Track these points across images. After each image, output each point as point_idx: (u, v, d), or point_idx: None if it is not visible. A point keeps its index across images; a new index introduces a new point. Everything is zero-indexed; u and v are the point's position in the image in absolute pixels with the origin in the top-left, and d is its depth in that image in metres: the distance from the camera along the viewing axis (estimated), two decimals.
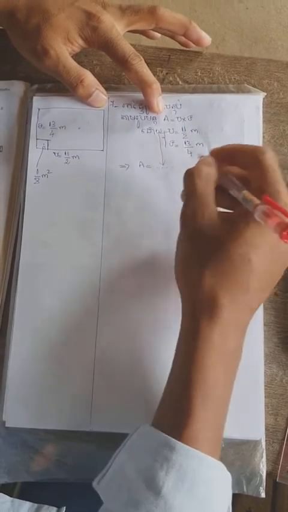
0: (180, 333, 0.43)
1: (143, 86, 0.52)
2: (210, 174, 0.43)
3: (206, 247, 0.41)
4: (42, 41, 0.50)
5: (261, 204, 0.36)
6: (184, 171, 0.47)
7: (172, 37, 0.56)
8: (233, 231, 0.39)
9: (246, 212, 0.39)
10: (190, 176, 0.43)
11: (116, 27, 0.51)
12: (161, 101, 0.53)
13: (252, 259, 0.39)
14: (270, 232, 0.36)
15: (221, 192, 0.43)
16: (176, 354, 0.42)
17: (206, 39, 0.55)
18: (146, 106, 0.53)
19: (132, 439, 0.41)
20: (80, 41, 0.51)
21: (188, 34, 0.54)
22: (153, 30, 0.55)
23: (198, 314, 0.40)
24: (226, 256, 0.39)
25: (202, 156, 0.45)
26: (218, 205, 0.42)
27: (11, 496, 0.46)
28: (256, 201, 0.37)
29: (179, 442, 0.37)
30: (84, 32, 0.50)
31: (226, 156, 0.44)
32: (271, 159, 0.41)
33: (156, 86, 0.52)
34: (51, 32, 0.50)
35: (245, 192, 0.39)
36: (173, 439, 0.37)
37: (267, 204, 0.36)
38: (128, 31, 0.54)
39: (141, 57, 0.51)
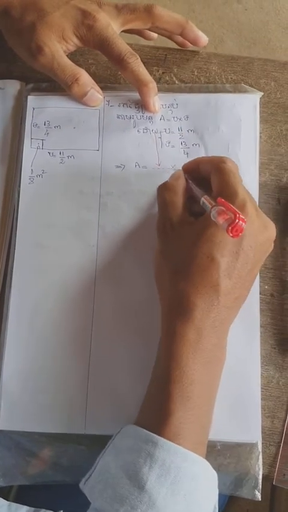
0: (161, 337, 0.44)
1: (139, 85, 0.51)
2: (177, 186, 0.46)
3: (175, 251, 0.44)
4: (36, 38, 0.49)
5: (216, 206, 0.40)
6: None
7: (169, 37, 0.56)
8: (196, 232, 0.42)
9: (208, 215, 0.41)
10: (159, 190, 0.48)
11: (111, 26, 0.50)
12: (157, 100, 0.52)
13: (215, 257, 0.41)
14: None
15: (195, 202, 0.45)
16: (156, 355, 0.44)
17: (203, 38, 0.54)
18: (142, 105, 0.53)
19: (115, 439, 0.41)
20: (75, 40, 0.51)
21: (185, 34, 0.54)
22: (149, 29, 0.55)
23: (173, 315, 0.42)
24: (192, 257, 0.41)
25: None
26: (193, 213, 0.45)
27: (7, 500, 0.46)
28: (212, 203, 0.41)
29: (162, 438, 0.38)
30: (79, 31, 0.50)
31: (193, 168, 0.48)
32: (229, 165, 0.44)
33: (153, 85, 0.51)
34: (46, 30, 0.49)
35: (205, 197, 0.42)
36: (156, 435, 0.38)
37: (220, 205, 0.39)
38: (125, 31, 0.54)
39: (137, 56, 0.51)
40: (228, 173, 0.43)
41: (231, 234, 0.37)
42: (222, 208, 0.39)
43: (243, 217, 0.37)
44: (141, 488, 0.37)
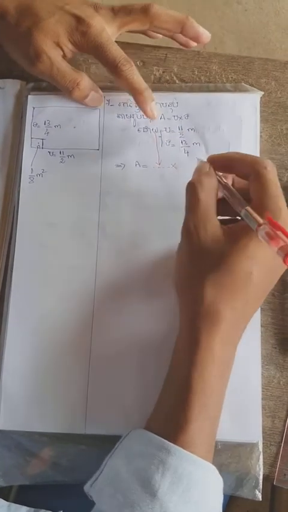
0: (178, 342, 0.43)
1: (134, 93, 0.50)
2: (211, 185, 0.43)
3: (207, 260, 0.41)
4: (34, 45, 0.49)
5: (264, 224, 0.37)
6: (181, 171, 0.50)
7: (171, 37, 0.55)
8: (235, 244, 0.40)
9: (247, 226, 0.39)
10: (193, 188, 0.42)
11: (106, 31, 0.50)
12: (155, 107, 0.51)
13: (253, 272, 0.40)
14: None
15: (222, 201, 0.43)
16: (173, 363, 0.43)
17: (205, 35, 0.53)
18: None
19: (125, 443, 0.41)
20: (70, 46, 0.50)
21: (185, 31, 0.52)
22: (149, 30, 0.53)
23: (199, 325, 0.40)
24: (228, 269, 0.40)
25: (201, 160, 0.45)
26: (219, 214, 0.43)
27: (7, 500, 0.46)
28: (259, 220, 0.37)
29: (175, 445, 0.38)
30: (73, 37, 0.49)
31: (224, 164, 0.44)
32: (272, 173, 0.41)
33: (148, 93, 0.50)
34: (42, 36, 0.49)
35: (248, 209, 0.39)
36: (169, 443, 0.38)
37: (270, 224, 0.36)
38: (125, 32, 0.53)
39: (132, 63, 0.49)
40: (271, 183, 0.40)
41: (287, 265, 0.34)
42: (272, 229, 0.36)
43: None
44: (153, 496, 0.36)
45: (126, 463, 0.39)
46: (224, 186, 0.43)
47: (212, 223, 0.42)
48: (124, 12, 0.51)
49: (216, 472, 0.40)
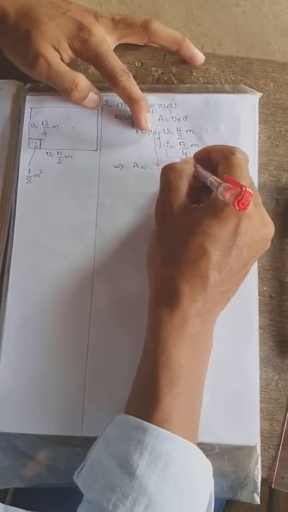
0: (147, 321, 0.44)
1: (130, 103, 0.51)
2: (184, 169, 0.45)
3: (170, 238, 0.43)
4: (32, 48, 0.49)
5: (222, 183, 0.40)
6: None
7: (166, 50, 0.55)
8: (193, 221, 0.42)
9: (208, 203, 0.42)
10: (164, 170, 0.46)
11: (106, 41, 0.50)
12: (150, 118, 0.52)
13: (208, 249, 0.41)
14: (228, 223, 0.40)
15: (206, 191, 0.45)
16: (144, 342, 0.44)
17: (199, 57, 0.54)
18: (133, 123, 0.52)
19: (106, 430, 0.41)
20: (70, 52, 0.50)
21: (181, 51, 0.54)
22: (146, 43, 0.55)
23: (160, 302, 0.42)
24: (184, 245, 0.41)
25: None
26: (196, 201, 0.45)
27: (3, 503, 0.45)
28: (219, 181, 0.41)
29: (151, 424, 0.38)
30: (74, 43, 0.50)
31: (205, 157, 0.46)
32: (239, 158, 0.43)
33: (144, 103, 0.51)
34: (41, 39, 0.49)
35: (212, 177, 0.42)
36: (145, 422, 0.38)
37: (227, 182, 0.40)
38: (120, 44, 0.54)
39: (130, 74, 0.50)
40: (236, 165, 0.43)
41: (237, 208, 0.37)
42: (229, 185, 0.39)
43: (250, 191, 0.37)
44: (132, 475, 0.37)
45: (106, 448, 0.40)
46: (197, 169, 0.46)
47: (179, 202, 0.44)
48: (124, 24, 0.52)
49: (199, 452, 0.40)
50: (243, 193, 0.37)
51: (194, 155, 0.47)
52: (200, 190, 0.46)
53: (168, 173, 0.45)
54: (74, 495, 0.41)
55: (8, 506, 0.43)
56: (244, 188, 0.37)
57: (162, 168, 0.46)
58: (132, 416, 0.40)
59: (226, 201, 0.39)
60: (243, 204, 0.37)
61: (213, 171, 0.44)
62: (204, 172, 0.44)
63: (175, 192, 0.44)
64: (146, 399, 0.40)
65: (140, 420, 0.39)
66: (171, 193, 0.44)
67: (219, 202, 0.41)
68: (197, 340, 0.42)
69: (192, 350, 0.41)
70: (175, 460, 0.38)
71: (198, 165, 0.46)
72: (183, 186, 0.44)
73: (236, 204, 0.37)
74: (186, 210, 0.43)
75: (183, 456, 0.39)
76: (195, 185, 0.45)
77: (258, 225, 0.42)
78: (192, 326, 0.41)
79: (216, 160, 0.45)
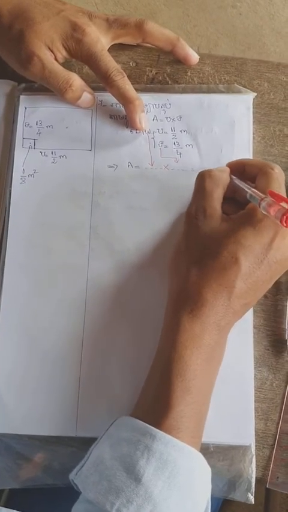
0: (163, 326, 0.44)
1: (124, 102, 0.51)
2: (220, 178, 0.45)
3: (200, 243, 0.43)
4: (25, 47, 0.49)
5: (266, 197, 0.39)
6: (173, 172, 0.51)
7: (161, 50, 0.55)
8: (229, 230, 0.41)
9: (244, 214, 0.42)
10: (201, 175, 0.45)
11: (101, 41, 0.50)
12: (144, 117, 0.52)
13: (239, 258, 0.40)
14: (264, 236, 0.40)
15: (230, 200, 0.45)
16: (158, 348, 0.43)
17: (194, 57, 0.54)
18: (128, 123, 0.52)
19: (110, 430, 0.41)
20: (64, 52, 0.50)
21: (175, 51, 0.54)
22: (140, 43, 0.55)
23: (181, 307, 0.41)
24: (216, 253, 0.41)
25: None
26: (225, 211, 0.44)
27: None
28: (262, 195, 0.40)
29: (160, 431, 0.38)
30: (68, 43, 0.50)
31: (239, 169, 0.46)
32: (278, 174, 0.43)
33: (139, 102, 0.51)
34: (34, 38, 0.49)
35: (253, 190, 0.41)
36: (154, 428, 0.38)
37: (272, 196, 0.39)
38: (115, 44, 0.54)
39: (124, 74, 0.50)
40: (275, 181, 0.43)
41: (285, 224, 0.37)
42: (273, 200, 0.38)
43: None
44: (138, 481, 0.37)
45: (111, 450, 0.39)
46: (233, 181, 0.45)
47: (212, 209, 0.43)
48: (119, 24, 0.52)
49: (203, 459, 0.40)
50: None
51: (228, 165, 0.47)
52: (229, 201, 0.46)
53: (206, 179, 0.45)
54: (69, 496, 0.41)
55: (3, 508, 0.43)
56: None
57: (200, 173, 0.46)
58: (140, 421, 0.39)
59: (270, 216, 0.38)
60: None
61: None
62: (242, 184, 0.44)
63: (210, 199, 0.44)
64: (157, 405, 0.40)
65: (148, 425, 0.39)
66: (206, 199, 0.44)
67: (257, 214, 0.41)
68: (213, 349, 0.42)
69: (208, 359, 0.41)
70: (181, 468, 0.38)
71: (235, 177, 0.46)
72: (219, 194, 0.44)
73: (283, 221, 0.37)
74: (219, 218, 0.43)
75: (188, 464, 0.39)
76: (225, 195, 0.45)
77: None
78: (210, 336, 0.41)
79: (250, 174, 0.45)
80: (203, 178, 0.45)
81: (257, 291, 0.42)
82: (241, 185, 0.44)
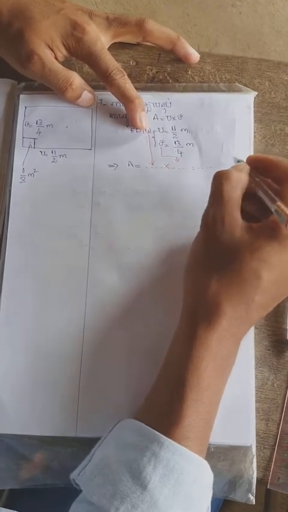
0: (175, 335, 0.43)
1: (125, 101, 0.51)
2: (239, 180, 0.42)
3: (220, 253, 0.41)
4: (25, 46, 0.48)
5: None
6: (174, 171, 0.50)
7: (161, 49, 0.55)
8: (251, 244, 0.40)
9: (270, 227, 0.39)
10: (218, 179, 0.42)
11: (101, 39, 0.50)
12: (144, 116, 0.51)
13: (262, 276, 0.39)
14: None
15: (249, 197, 0.42)
16: (169, 354, 0.43)
17: (194, 55, 0.54)
18: (128, 121, 0.52)
19: (115, 432, 0.41)
20: (64, 51, 0.50)
21: (176, 50, 0.54)
22: (140, 42, 0.55)
23: (198, 318, 0.40)
24: (238, 267, 0.40)
25: (238, 160, 0.45)
26: (244, 209, 0.42)
27: None
28: None
29: (168, 439, 0.38)
30: (68, 42, 0.49)
31: (262, 166, 0.44)
32: None
33: (139, 101, 0.51)
34: (34, 37, 0.48)
35: (279, 204, 0.39)
36: (163, 435, 0.38)
37: None
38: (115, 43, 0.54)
39: (124, 73, 0.50)
40: None
41: None
42: None
43: None
44: (144, 488, 0.37)
45: (116, 453, 0.39)
46: (258, 183, 0.42)
47: (232, 217, 0.41)
48: (119, 23, 0.52)
49: (208, 467, 0.40)
50: None
51: (249, 159, 0.44)
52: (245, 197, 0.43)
53: (223, 183, 0.42)
54: (69, 496, 0.40)
55: (2, 508, 0.43)
56: None
57: (217, 174, 0.42)
58: (148, 427, 0.39)
59: None
60: None
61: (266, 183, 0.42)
62: (267, 194, 0.41)
63: (228, 205, 0.41)
64: (167, 414, 0.39)
65: (157, 432, 0.38)
66: (224, 206, 0.41)
67: (283, 229, 0.39)
68: (227, 360, 0.41)
69: (221, 370, 0.41)
70: (187, 476, 0.38)
71: (258, 178, 0.42)
72: (237, 199, 0.42)
73: None
74: (239, 227, 0.41)
75: (195, 473, 0.38)
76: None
77: None
78: (226, 347, 0.41)
79: (275, 175, 0.43)
80: (219, 181, 0.42)
81: (273, 302, 0.42)
82: (264, 197, 0.41)
